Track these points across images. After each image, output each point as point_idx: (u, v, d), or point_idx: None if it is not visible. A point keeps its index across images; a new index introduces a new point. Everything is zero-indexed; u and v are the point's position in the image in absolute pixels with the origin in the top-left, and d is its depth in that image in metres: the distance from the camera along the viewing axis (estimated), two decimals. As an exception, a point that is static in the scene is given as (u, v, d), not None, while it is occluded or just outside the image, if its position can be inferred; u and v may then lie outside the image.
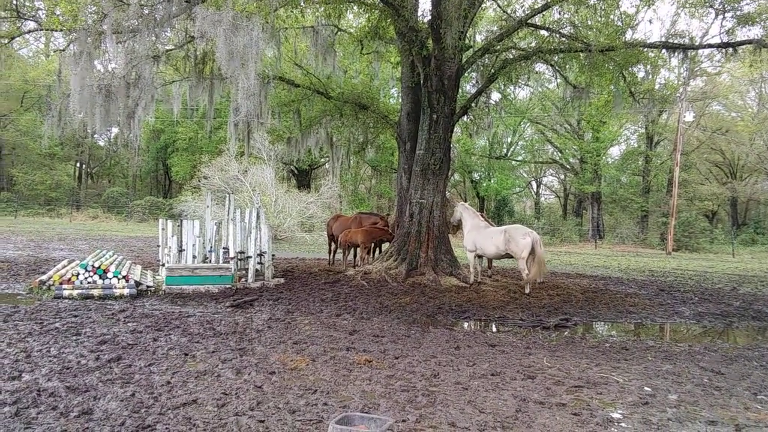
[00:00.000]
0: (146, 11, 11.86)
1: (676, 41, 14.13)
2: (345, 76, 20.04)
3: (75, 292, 9.65)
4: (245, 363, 5.94)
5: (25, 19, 14.83)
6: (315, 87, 16.02)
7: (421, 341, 7.43)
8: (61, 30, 12.42)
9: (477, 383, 5.57)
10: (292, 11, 13.19)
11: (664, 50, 14.01)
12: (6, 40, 15.79)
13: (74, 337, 6.76)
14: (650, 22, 46.73)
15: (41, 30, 14.87)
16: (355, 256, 15.59)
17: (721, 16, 13.53)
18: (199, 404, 4.66)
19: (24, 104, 45.68)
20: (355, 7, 15.11)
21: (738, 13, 13.13)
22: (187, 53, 14.69)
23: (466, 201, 16.44)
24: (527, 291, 12.08)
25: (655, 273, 19.40)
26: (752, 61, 13.81)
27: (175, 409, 4.52)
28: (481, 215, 13.83)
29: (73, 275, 10.03)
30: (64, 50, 14.44)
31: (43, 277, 10.33)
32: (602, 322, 9.93)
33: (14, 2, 14.11)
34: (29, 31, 15.96)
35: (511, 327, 9.04)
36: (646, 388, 5.64)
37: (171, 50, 14.61)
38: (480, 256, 13.33)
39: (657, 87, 17.11)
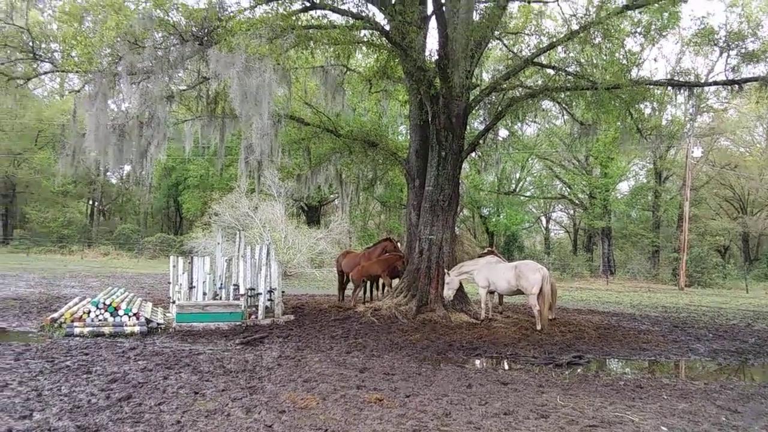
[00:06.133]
0: (160, 53, 12.14)
1: (681, 78, 14.26)
2: (354, 114, 20.29)
3: (86, 330, 9.67)
4: (255, 402, 5.90)
5: (41, 61, 15.23)
6: (324, 125, 16.24)
7: (432, 379, 7.36)
8: (77, 72, 12.71)
9: (489, 423, 5.50)
10: (302, 52, 13.45)
11: (669, 87, 14.11)
12: (22, 81, 16.22)
13: (85, 376, 6.76)
14: (655, 60, 47.15)
15: (57, 72, 15.25)
16: (364, 292, 15.53)
17: (725, 54, 13.67)
18: (210, 444, 4.63)
19: (38, 143, 46.64)
20: (363, 48, 15.39)
21: (742, 50, 13.25)
22: (200, 93, 14.97)
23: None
24: (539, 327, 11.98)
25: (668, 309, 19.17)
26: (759, 98, 13.92)
27: (186, 449, 4.50)
28: (489, 249, 13.77)
29: (84, 313, 10.07)
30: (79, 91, 14.77)
31: (55, 315, 10.36)
32: (616, 360, 9.81)
33: (30, 45, 14.53)
34: (44, 73, 16.36)
35: (524, 364, 8.94)
36: (662, 428, 5.55)
37: (184, 90, 14.91)
38: (492, 292, 13.28)
39: (664, 123, 17.25)
